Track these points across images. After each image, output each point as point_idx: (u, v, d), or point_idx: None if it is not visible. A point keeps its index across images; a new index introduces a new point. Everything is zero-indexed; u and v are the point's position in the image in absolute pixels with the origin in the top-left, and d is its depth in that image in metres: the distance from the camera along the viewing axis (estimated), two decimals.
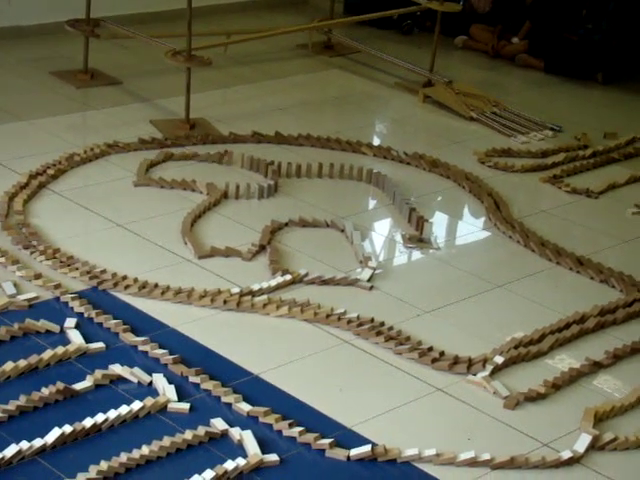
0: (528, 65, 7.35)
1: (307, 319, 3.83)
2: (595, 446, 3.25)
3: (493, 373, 3.59)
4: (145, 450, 3.00)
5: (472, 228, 4.85)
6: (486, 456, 3.14)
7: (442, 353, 3.66)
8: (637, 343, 3.86)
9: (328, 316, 3.83)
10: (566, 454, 3.19)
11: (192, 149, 5.28)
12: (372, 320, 3.83)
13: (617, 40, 7.13)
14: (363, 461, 3.11)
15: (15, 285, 3.82)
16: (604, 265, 4.44)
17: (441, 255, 4.51)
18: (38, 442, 2.99)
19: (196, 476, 2.93)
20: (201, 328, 3.72)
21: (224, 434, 3.14)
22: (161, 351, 3.50)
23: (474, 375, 3.57)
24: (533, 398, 3.48)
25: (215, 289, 3.93)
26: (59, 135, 5.33)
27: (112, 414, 3.14)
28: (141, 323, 3.69)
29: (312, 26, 7.03)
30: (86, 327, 3.63)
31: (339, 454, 3.11)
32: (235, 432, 3.14)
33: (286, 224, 4.57)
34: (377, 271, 4.22)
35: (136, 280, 3.94)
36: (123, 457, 2.96)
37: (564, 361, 3.73)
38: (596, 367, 3.70)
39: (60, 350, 3.43)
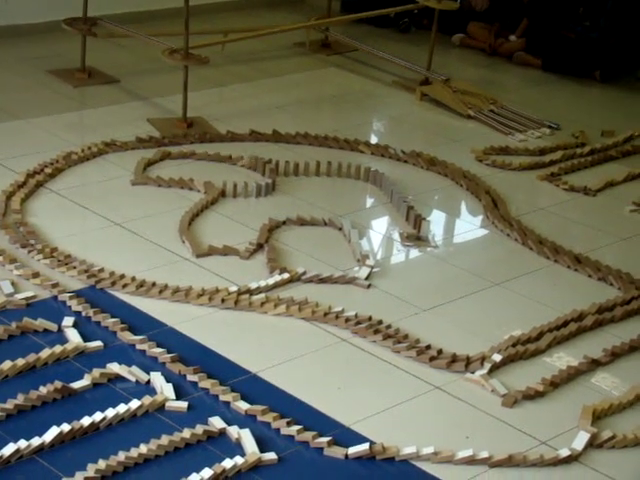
0: (526, 63, 7.35)
1: (305, 317, 3.83)
2: (593, 444, 3.26)
3: (491, 371, 3.59)
4: (143, 449, 3.00)
5: (470, 226, 4.85)
6: (484, 454, 3.14)
7: (440, 351, 3.66)
8: (635, 341, 3.87)
9: (326, 314, 3.83)
10: (564, 452, 3.19)
11: (189, 148, 5.28)
12: (370, 318, 3.83)
13: (615, 38, 7.14)
14: (361, 459, 3.12)
15: (13, 284, 3.82)
16: (602, 263, 4.44)
17: (439, 253, 4.51)
18: (36, 441, 2.99)
19: (194, 475, 2.93)
20: (199, 327, 3.72)
21: (222, 433, 3.14)
22: (159, 350, 3.50)
23: (472, 373, 3.57)
24: (531, 396, 3.48)
25: (213, 288, 3.93)
26: (56, 134, 5.32)
27: (110, 413, 3.14)
28: (139, 322, 3.69)
29: (309, 24, 7.03)
30: (84, 326, 3.63)
31: (337, 452, 3.11)
32: (233, 431, 3.13)
33: (284, 222, 4.57)
34: (375, 269, 4.22)
35: (134, 279, 3.94)
36: (121, 456, 2.96)
37: (562, 359, 3.73)
38: (594, 365, 3.70)
39: (58, 349, 3.43)
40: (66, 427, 3.04)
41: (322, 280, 4.09)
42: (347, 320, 3.80)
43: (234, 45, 6.61)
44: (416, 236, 4.58)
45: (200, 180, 4.85)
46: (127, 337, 3.57)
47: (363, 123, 6.05)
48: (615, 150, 5.82)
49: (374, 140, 5.74)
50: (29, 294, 3.77)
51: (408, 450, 3.13)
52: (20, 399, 3.15)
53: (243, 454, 3.05)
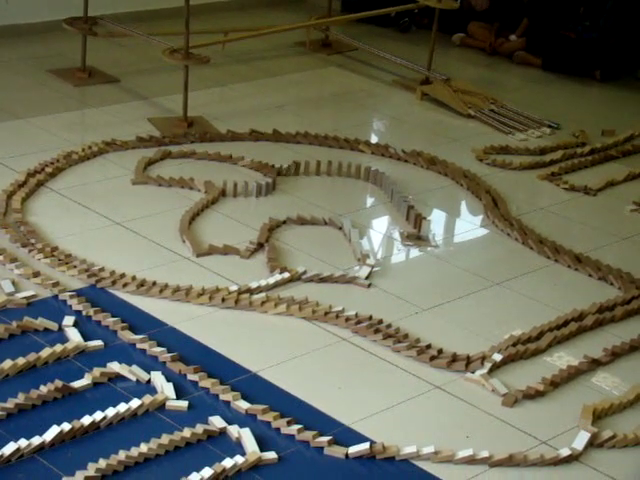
0: (526, 62, 7.35)
1: (305, 317, 3.83)
2: (594, 443, 3.26)
3: (491, 371, 3.59)
4: (144, 448, 3.00)
5: (470, 226, 4.85)
6: (484, 454, 3.14)
7: (440, 351, 3.67)
8: (635, 340, 3.87)
9: (326, 314, 3.83)
10: (565, 451, 3.19)
11: (190, 147, 5.28)
12: (370, 318, 3.83)
13: (615, 37, 7.14)
14: (361, 459, 3.12)
15: (13, 283, 3.82)
16: (602, 262, 4.44)
17: (439, 253, 4.51)
18: (37, 440, 2.99)
19: (195, 474, 2.93)
20: (199, 326, 3.72)
21: (222, 432, 3.14)
22: (159, 349, 3.50)
23: (472, 373, 3.57)
24: (531, 396, 3.48)
25: (213, 287, 3.93)
26: (57, 133, 5.32)
27: (110, 412, 3.14)
28: (139, 321, 3.69)
29: (310, 24, 7.03)
30: (84, 325, 3.63)
31: (337, 452, 3.11)
32: (233, 430, 3.14)
33: (284, 222, 4.57)
34: (375, 269, 4.22)
35: (134, 278, 3.94)
36: (122, 455, 2.96)
37: (562, 359, 3.73)
38: (594, 365, 3.70)
39: (58, 348, 3.43)
40: (67, 426, 3.04)
41: (322, 279, 4.09)
42: (347, 319, 3.80)
43: (234, 44, 6.61)
44: (416, 235, 4.58)
45: (200, 179, 4.85)
46: (127, 336, 3.57)
47: (363, 122, 6.05)
48: (615, 150, 5.82)
49: (374, 139, 5.74)
50: (30, 293, 3.77)
51: (408, 450, 3.13)
52: (21, 398, 3.15)
53: (243, 453, 3.05)
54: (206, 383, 3.35)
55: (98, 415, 3.11)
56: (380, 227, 4.73)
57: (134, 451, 2.98)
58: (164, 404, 3.24)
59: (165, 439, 3.04)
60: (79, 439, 3.06)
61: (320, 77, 6.78)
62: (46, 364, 3.39)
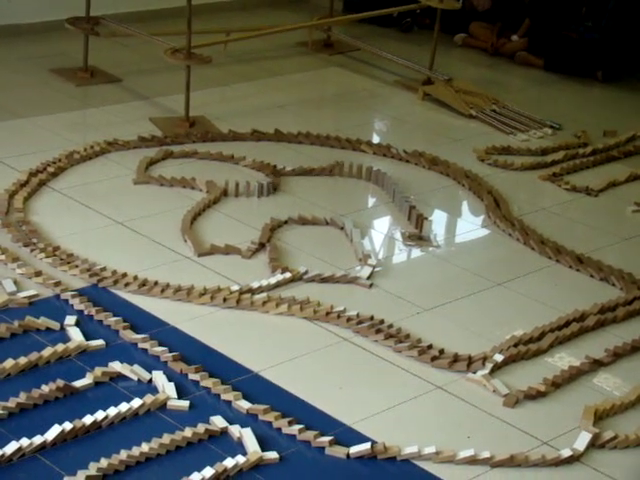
0: (528, 63, 7.35)
1: (307, 317, 3.83)
2: (595, 444, 3.26)
3: (493, 371, 3.59)
4: (145, 447, 3.00)
5: (472, 226, 4.85)
6: (486, 454, 3.14)
7: (442, 351, 3.67)
8: (637, 341, 3.86)
9: (328, 314, 3.83)
10: (566, 452, 3.19)
11: (192, 147, 5.28)
12: (372, 318, 3.83)
13: (617, 38, 7.13)
14: (363, 459, 3.12)
15: (15, 282, 3.82)
16: (604, 263, 4.44)
17: (441, 253, 4.51)
18: (38, 439, 2.99)
19: (196, 474, 2.93)
20: (201, 326, 3.72)
21: (224, 432, 3.14)
22: (161, 349, 3.50)
23: (474, 373, 3.57)
24: (533, 396, 3.48)
25: (215, 287, 3.93)
26: (59, 133, 5.33)
27: (112, 411, 3.14)
28: (141, 321, 3.69)
29: (311, 24, 7.03)
30: (86, 324, 3.63)
31: (339, 452, 3.11)
32: (235, 430, 3.14)
33: (286, 222, 4.57)
34: (377, 269, 4.22)
35: (136, 278, 3.94)
36: (123, 454, 2.96)
37: (564, 359, 3.73)
38: (596, 365, 3.70)
39: (60, 347, 3.43)
40: (68, 425, 3.04)
41: (324, 279, 4.10)
42: (349, 319, 3.80)
43: (236, 44, 6.61)
44: (418, 236, 4.58)
45: (202, 179, 4.85)
46: (129, 336, 3.57)
47: (365, 123, 6.05)
48: (617, 150, 5.82)
49: (376, 140, 5.74)
50: (31, 293, 3.77)
51: (410, 450, 3.13)
52: (22, 397, 3.16)
53: (244, 453, 3.05)
54: (207, 383, 3.35)
55: (100, 414, 3.12)
56: (382, 227, 4.73)
57: (135, 450, 2.98)
58: (165, 404, 3.24)
59: (166, 439, 3.04)
60: (81, 438, 3.06)
61: (322, 77, 6.78)
62: (48, 363, 3.39)
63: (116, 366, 3.38)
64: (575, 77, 7.11)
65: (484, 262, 4.46)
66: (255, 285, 3.97)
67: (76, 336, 3.54)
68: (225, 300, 3.86)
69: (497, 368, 3.61)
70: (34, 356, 3.37)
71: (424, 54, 6.71)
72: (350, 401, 3.38)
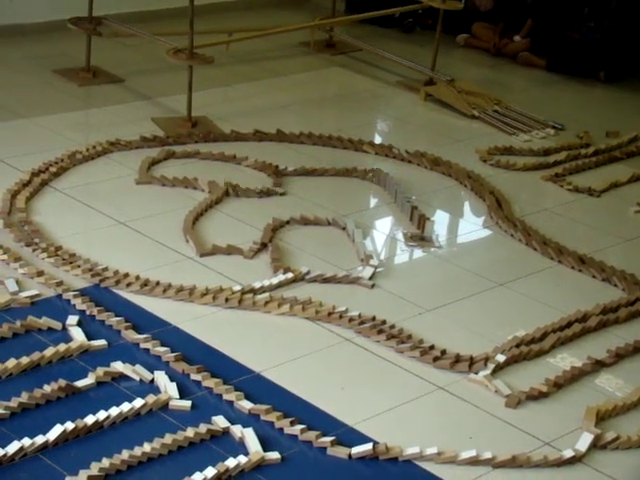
0: (530, 63, 7.35)
1: (309, 317, 3.83)
2: (597, 445, 3.25)
3: (495, 372, 3.59)
4: (147, 447, 3.00)
5: (474, 226, 4.85)
6: (488, 455, 3.14)
7: (444, 352, 3.66)
8: (639, 342, 3.86)
9: (330, 314, 3.83)
10: (568, 453, 3.19)
11: (194, 147, 5.28)
12: (374, 318, 3.83)
13: (619, 38, 7.13)
14: (365, 459, 3.12)
15: (17, 282, 3.82)
16: (606, 264, 4.44)
17: (443, 253, 4.50)
18: (40, 439, 2.99)
19: (197, 474, 2.93)
20: (203, 326, 3.72)
21: (225, 432, 3.14)
22: (163, 349, 3.50)
23: (476, 374, 3.57)
24: (535, 397, 3.48)
25: (217, 287, 3.93)
26: (61, 133, 5.33)
27: (114, 411, 3.14)
28: (143, 321, 3.69)
29: (314, 24, 7.03)
30: (88, 324, 3.63)
31: (340, 452, 3.11)
32: (236, 430, 3.14)
33: (287, 222, 4.57)
34: (379, 269, 4.22)
35: (138, 278, 3.94)
36: (125, 454, 2.96)
37: (566, 360, 3.73)
38: (598, 366, 3.70)
39: (62, 347, 3.43)
40: (70, 425, 3.04)
41: (326, 280, 4.09)
42: (351, 320, 3.80)
43: (238, 45, 6.61)
44: (420, 236, 4.58)
45: (204, 179, 4.85)
46: (131, 336, 3.57)
47: (367, 123, 6.05)
48: (619, 151, 5.82)
49: (378, 140, 5.74)
50: (33, 292, 3.77)
51: (411, 450, 3.13)
52: (24, 397, 3.16)
53: (246, 453, 3.05)
54: (209, 383, 3.35)
55: (101, 414, 3.12)
56: (383, 228, 4.73)
57: (137, 451, 2.98)
58: (167, 404, 3.24)
59: (168, 439, 3.04)
60: (82, 438, 3.06)
61: (324, 77, 6.78)
62: (50, 363, 3.40)
63: (118, 366, 3.38)
64: (577, 77, 7.11)
65: (486, 263, 4.46)
66: (257, 285, 3.97)
67: (78, 336, 3.54)
68: (227, 300, 3.86)
69: (499, 369, 3.61)
70: (36, 356, 3.37)
71: (426, 54, 6.71)
72: (352, 401, 3.38)
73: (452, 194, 5.13)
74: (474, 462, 3.13)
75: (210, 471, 2.94)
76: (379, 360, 3.63)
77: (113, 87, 6.10)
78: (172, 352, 3.49)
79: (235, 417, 3.22)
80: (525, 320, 3.95)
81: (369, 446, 3.12)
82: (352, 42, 7.10)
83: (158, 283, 3.92)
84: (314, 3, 8.21)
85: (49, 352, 3.40)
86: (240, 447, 3.09)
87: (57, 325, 3.59)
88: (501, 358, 3.63)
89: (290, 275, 4.06)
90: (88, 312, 3.69)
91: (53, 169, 4.81)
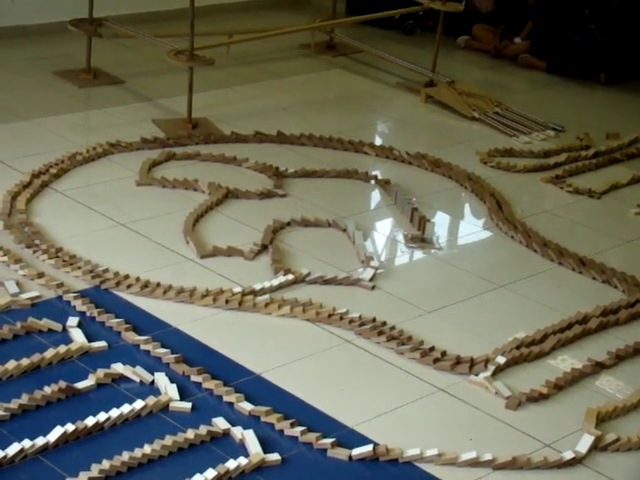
0: (530, 65, 7.35)
1: (309, 319, 3.83)
2: (597, 447, 3.25)
3: (495, 373, 3.59)
4: (147, 449, 3.00)
5: (474, 228, 4.85)
6: (488, 456, 3.14)
7: (444, 353, 3.66)
8: (639, 344, 3.86)
9: (330, 316, 3.83)
10: (568, 455, 3.19)
11: (194, 149, 5.28)
12: (374, 320, 3.83)
13: (619, 40, 7.13)
14: (365, 461, 3.12)
15: (18, 284, 3.82)
16: (606, 265, 4.44)
17: (443, 255, 4.50)
18: (40, 441, 2.99)
19: (198, 475, 2.93)
20: (203, 327, 3.72)
21: (226, 433, 3.14)
22: (163, 350, 3.50)
23: (476, 375, 3.57)
24: (535, 399, 3.48)
25: (217, 288, 3.93)
26: (62, 134, 5.33)
27: (114, 413, 3.14)
28: (143, 322, 3.69)
29: (314, 26, 7.03)
30: (88, 326, 3.63)
31: (341, 454, 3.11)
32: (237, 431, 3.14)
33: (288, 224, 4.57)
34: (379, 271, 4.22)
35: (138, 279, 3.94)
36: (125, 456, 2.96)
37: (566, 361, 3.73)
38: (598, 368, 3.70)
39: (62, 349, 3.43)
40: (70, 427, 3.04)
41: (326, 281, 4.10)
42: (351, 321, 3.80)
43: (239, 46, 6.62)
44: (420, 238, 4.58)
45: (205, 181, 4.85)
46: (131, 337, 3.57)
47: (368, 124, 6.05)
48: (620, 153, 5.82)
49: (379, 142, 5.74)
50: (34, 294, 3.77)
51: (412, 452, 3.13)
52: (24, 399, 3.16)
53: (247, 455, 3.05)
54: (210, 384, 3.35)
55: (102, 416, 3.12)
56: (384, 229, 4.73)
57: (137, 452, 2.98)
58: (168, 405, 3.24)
59: (168, 440, 3.04)
60: (83, 440, 3.06)
61: (324, 79, 6.78)
62: (50, 365, 3.40)
63: (118, 368, 3.38)
64: (578, 79, 7.11)
65: (486, 264, 4.46)
66: (257, 287, 3.97)
67: (78, 337, 3.54)
68: (227, 302, 3.86)
69: (499, 370, 3.61)
70: (36, 357, 3.37)
71: (427, 56, 6.71)
72: (352, 403, 3.38)
73: (452, 196, 5.13)
74: (474, 464, 3.13)
75: (210, 473, 2.94)
76: (379, 362, 3.63)
77: (113, 88, 6.10)
78: (172, 354, 3.49)
79: (235, 419, 3.22)
80: (525, 322, 3.95)
81: (369, 448, 3.12)
82: (353, 44, 7.10)
83: (158, 285, 3.92)
84: (314, 5, 8.21)
85: (49, 354, 3.40)
86: (240, 449, 3.09)
87: (57, 327, 3.59)
88: (501, 360, 3.63)
89: (290, 277, 4.06)
90: (88, 314, 3.70)
91: (53, 170, 4.81)
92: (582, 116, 6.44)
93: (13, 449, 2.94)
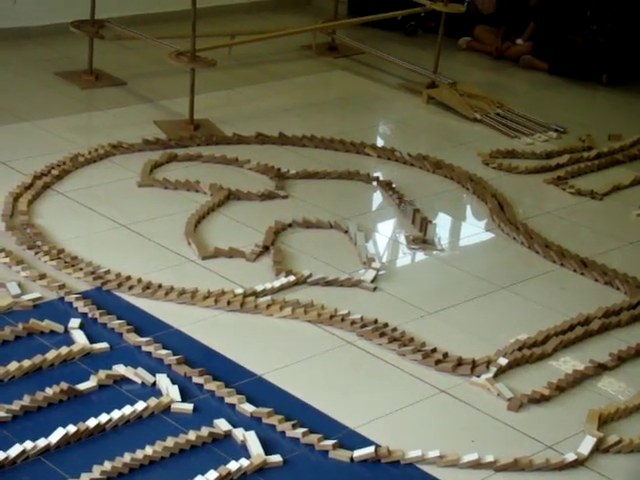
0: (532, 66, 7.35)
1: (311, 320, 3.83)
2: (599, 448, 3.25)
3: (497, 375, 3.58)
4: (149, 450, 3.00)
5: (476, 229, 4.85)
6: (490, 458, 3.14)
7: (446, 355, 3.66)
8: None
9: (332, 317, 3.83)
10: (570, 456, 3.18)
11: (196, 150, 5.28)
12: (376, 321, 3.82)
13: (621, 41, 7.13)
14: (366, 462, 3.11)
15: (19, 285, 3.83)
16: (608, 267, 4.43)
17: (445, 256, 4.50)
18: (42, 442, 2.99)
19: (199, 477, 2.93)
20: (205, 329, 3.72)
21: (227, 435, 3.14)
22: (165, 351, 3.50)
23: (478, 377, 3.57)
24: (537, 400, 3.48)
25: (219, 290, 3.93)
26: (63, 136, 5.33)
27: (116, 414, 3.14)
28: (145, 323, 3.69)
29: (316, 27, 7.03)
30: (90, 327, 3.63)
31: (342, 455, 3.11)
32: (238, 433, 3.14)
33: (290, 225, 4.57)
34: (381, 272, 4.22)
35: (140, 280, 3.94)
36: (127, 457, 2.96)
37: (568, 363, 3.73)
38: (600, 369, 3.69)
39: (64, 350, 3.43)
40: (72, 428, 3.04)
41: (328, 283, 4.09)
42: (353, 323, 3.80)
43: (241, 48, 6.62)
44: (422, 239, 4.58)
45: (206, 182, 4.85)
46: (133, 339, 3.57)
47: (369, 126, 6.05)
48: (622, 154, 5.81)
49: (380, 143, 5.74)
50: (36, 295, 3.77)
51: (413, 453, 3.13)
52: (26, 400, 3.16)
53: (248, 456, 3.05)
54: (211, 386, 3.35)
55: (103, 417, 3.12)
56: (386, 230, 4.73)
57: (139, 453, 2.98)
58: (169, 407, 3.24)
59: (170, 442, 3.04)
60: (84, 441, 3.06)
61: (326, 80, 6.78)
62: (52, 366, 3.40)
63: (120, 369, 3.38)
64: (580, 81, 7.11)
65: (488, 266, 4.46)
66: (259, 288, 3.97)
67: (80, 339, 3.54)
68: (229, 303, 3.86)
69: (501, 372, 3.61)
70: (38, 359, 3.37)
71: (428, 57, 6.71)
72: (354, 404, 3.38)
73: (454, 197, 5.13)
74: (476, 465, 3.13)
75: (212, 474, 2.94)
76: (381, 363, 3.62)
77: (115, 90, 6.10)
78: (174, 355, 3.49)
79: (237, 420, 3.21)
80: (527, 323, 3.94)
81: (371, 449, 3.12)
82: (354, 45, 7.11)
83: (160, 286, 3.92)
84: (316, 6, 8.22)
85: (51, 355, 3.40)
86: (242, 450, 3.09)
87: (59, 328, 3.59)
88: (503, 361, 3.63)
89: (292, 278, 4.06)
90: (90, 315, 3.70)
91: (55, 172, 4.82)
92: (584, 117, 6.44)
93: (15, 450, 2.94)
